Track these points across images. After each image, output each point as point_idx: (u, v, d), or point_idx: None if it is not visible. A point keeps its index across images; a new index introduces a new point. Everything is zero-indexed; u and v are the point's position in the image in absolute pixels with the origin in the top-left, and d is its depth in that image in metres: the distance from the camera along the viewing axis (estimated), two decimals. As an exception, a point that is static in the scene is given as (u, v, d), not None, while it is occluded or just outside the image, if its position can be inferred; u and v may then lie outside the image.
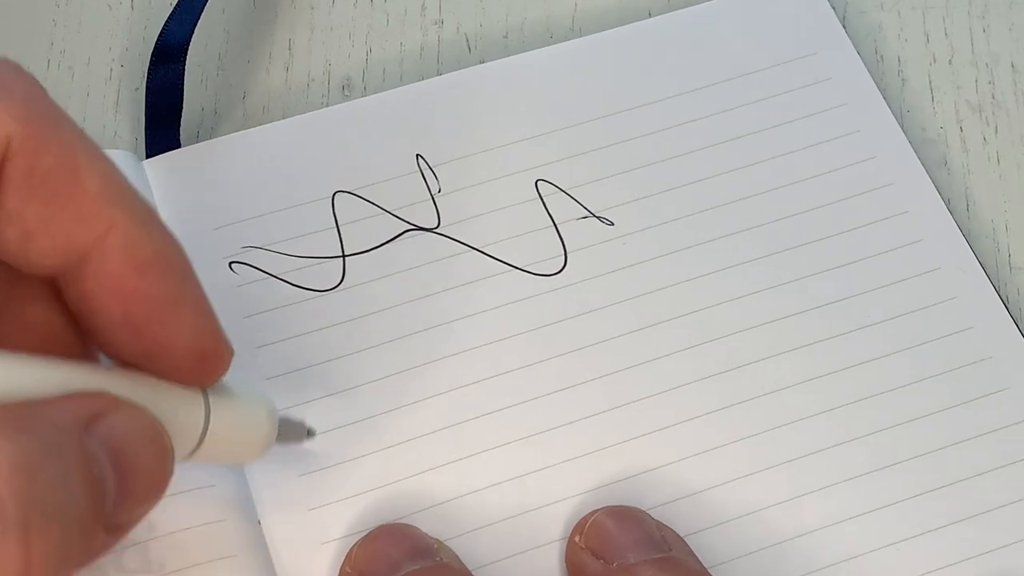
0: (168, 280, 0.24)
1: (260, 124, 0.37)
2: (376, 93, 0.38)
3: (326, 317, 0.34)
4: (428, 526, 0.32)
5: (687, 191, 0.37)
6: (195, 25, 0.38)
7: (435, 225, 0.36)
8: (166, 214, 0.35)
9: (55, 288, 0.25)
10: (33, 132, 0.21)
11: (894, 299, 0.35)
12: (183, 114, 0.38)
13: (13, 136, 0.21)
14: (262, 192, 0.36)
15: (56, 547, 0.21)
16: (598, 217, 0.36)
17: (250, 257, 0.35)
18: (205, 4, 0.38)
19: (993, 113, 0.39)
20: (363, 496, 0.32)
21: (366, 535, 0.31)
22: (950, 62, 0.40)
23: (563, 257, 0.36)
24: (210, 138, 0.38)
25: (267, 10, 0.41)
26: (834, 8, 0.39)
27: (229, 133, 0.37)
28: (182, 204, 0.36)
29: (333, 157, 0.37)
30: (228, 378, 0.27)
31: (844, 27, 0.39)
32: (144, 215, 0.24)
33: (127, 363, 0.25)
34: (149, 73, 0.38)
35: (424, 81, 0.38)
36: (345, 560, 0.31)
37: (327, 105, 0.39)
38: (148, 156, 0.37)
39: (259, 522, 0.32)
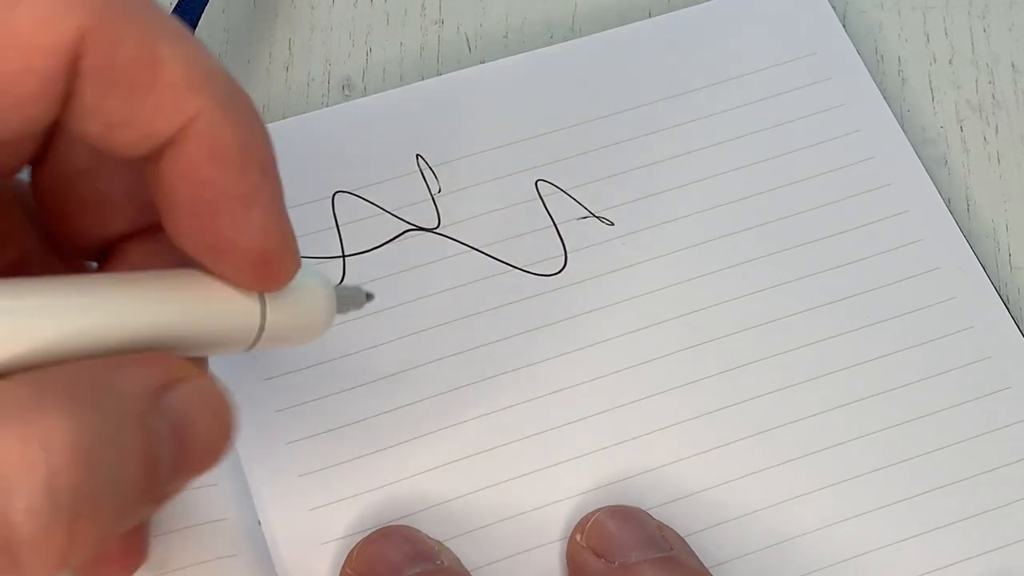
0: (243, 174, 0.22)
1: (260, 124, 0.37)
2: (376, 93, 0.38)
3: (326, 317, 0.34)
4: (428, 526, 0.32)
5: (687, 191, 0.37)
6: (195, 25, 0.38)
7: (435, 225, 0.36)
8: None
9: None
10: (107, 22, 0.21)
11: (894, 299, 0.35)
12: (183, 114, 0.38)
13: (87, 28, 0.20)
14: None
15: (101, 531, 0.20)
16: (598, 217, 0.36)
17: (250, 257, 0.35)
18: (205, 4, 0.38)
19: (993, 113, 0.39)
20: (363, 496, 0.32)
21: (367, 537, 0.31)
22: (950, 62, 0.40)
23: (563, 257, 0.36)
24: (210, 138, 0.38)
25: (267, 10, 0.41)
26: (834, 8, 0.39)
27: (229, 133, 0.37)
28: (182, 204, 0.36)
29: (333, 157, 0.37)
30: None
31: (844, 27, 0.39)
32: (231, 103, 0.22)
33: (191, 256, 0.24)
34: (149, 73, 0.38)
35: (424, 81, 0.38)
36: (346, 562, 0.31)
37: (327, 105, 0.39)
38: (148, 156, 0.37)
39: (259, 522, 0.32)
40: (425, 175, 0.37)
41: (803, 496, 0.33)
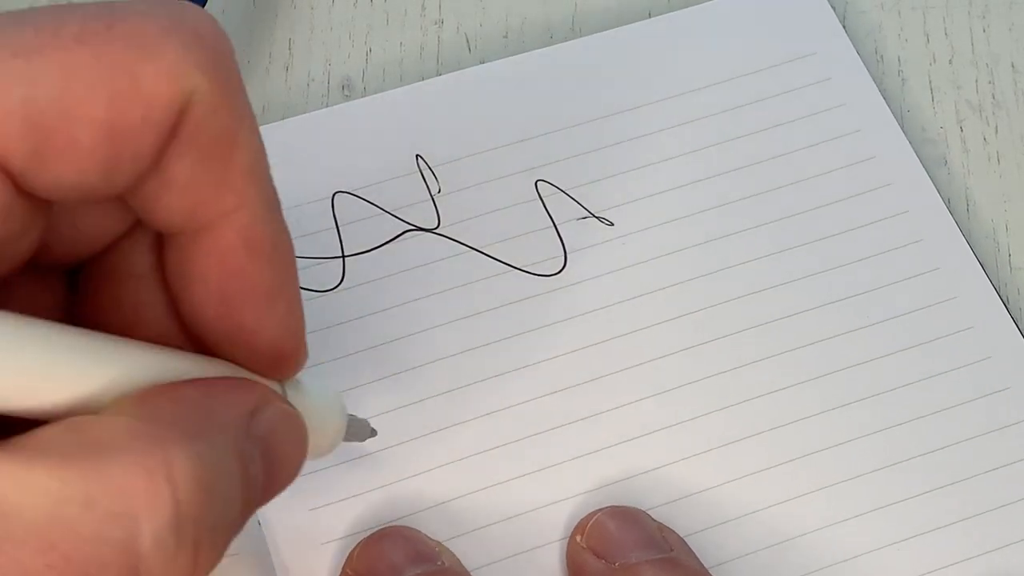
0: (274, 270, 0.23)
1: (260, 124, 0.37)
2: (376, 93, 0.38)
3: (326, 317, 0.34)
4: (428, 526, 0.32)
5: (687, 191, 0.37)
6: (195, 25, 0.38)
7: (435, 225, 0.36)
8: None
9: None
10: (216, 92, 0.21)
11: (894, 299, 0.35)
12: (183, 114, 0.38)
13: (197, 91, 0.20)
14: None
15: (217, 556, 0.21)
16: (598, 217, 0.36)
17: (250, 257, 0.35)
18: (204, 4, 0.38)
19: (993, 113, 0.39)
20: (363, 496, 0.32)
21: (367, 537, 0.31)
22: (950, 62, 0.40)
23: (563, 257, 0.36)
24: (210, 138, 0.38)
25: (267, 10, 0.41)
26: (834, 8, 0.39)
27: (229, 133, 0.37)
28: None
29: (333, 157, 0.37)
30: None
31: (844, 27, 0.39)
32: (273, 200, 0.23)
33: (201, 342, 0.24)
34: (149, 73, 0.37)
35: (424, 81, 0.38)
36: (346, 562, 0.31)
37: (327, 105, 0.39)
38: (148, 156, 0.37)
39: (259, 522, 0.32)
40: (425, 175, 0.37)
41: (803, 496, 0.33)
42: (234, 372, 0.24)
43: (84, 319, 0.24)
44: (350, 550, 0.31)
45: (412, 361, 0.34)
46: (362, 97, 0.38)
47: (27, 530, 0.18)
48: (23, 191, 0.20)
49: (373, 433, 0.31)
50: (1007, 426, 0.34)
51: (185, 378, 0.22)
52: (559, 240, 0.36)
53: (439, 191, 0.36)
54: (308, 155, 0.37)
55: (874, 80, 0.38)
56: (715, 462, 0.33)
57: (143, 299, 0.24)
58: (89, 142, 0.19)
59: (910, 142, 0.37)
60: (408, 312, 0.35)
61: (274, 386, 0.25)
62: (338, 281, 0.35)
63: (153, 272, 0.24)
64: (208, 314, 0.23)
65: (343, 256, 0.35)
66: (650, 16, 0.40)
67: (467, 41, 0.40)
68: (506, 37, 0.40)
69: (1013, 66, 0.40)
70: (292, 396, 0.26)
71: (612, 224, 0.36)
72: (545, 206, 0.36)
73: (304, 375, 0.26)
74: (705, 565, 0.31)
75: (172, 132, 0.20)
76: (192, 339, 0.24)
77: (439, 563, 0.30)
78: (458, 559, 0.31)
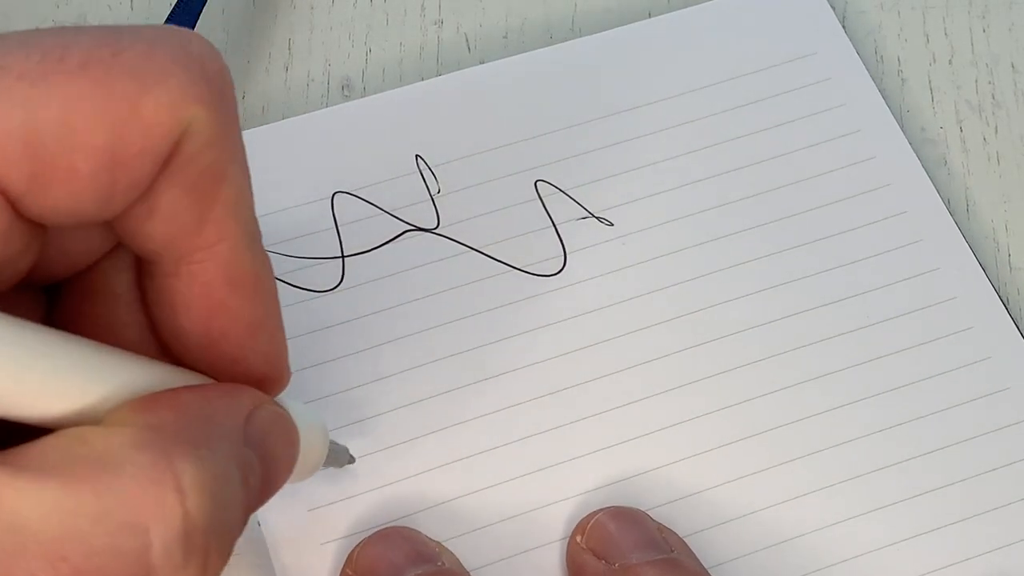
0: (254, 305, 0.23)
1: (260, 124, 0.37)
2: (376, 93, 0.38)
3: (325, 318, 0.34)
4: (428, 526, 0.32)
5: (686, 191, 0.37)
6: (194, 25, 0.38)
7: (435, 225, 0.36)
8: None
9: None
10: (213, 125, 0.21)
11: (893, 299, 0.35)
12: (183, 114, 0.38)
13: (195, 123, 0.20)
14: (261, 193, 0.35)
15: (223, 561, 0.21)
16: (598, 217, 0.36)
17: (250, 257, 0.35)
18: (204, 4, 0.38)
19: (993, 113, 0.39)
20: (363, 496, 0.32)
21: (368, 538, 0.31)
22: (950, 62, 0.40)
23: (563, 257, 0.36)
24: (210, 138, 0.37)
25: (267, 10, 0.41)
26: (834, 8, 0.39)
27: (229, 133, 0.37)
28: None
29: (333, 157, 0.37)
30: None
31: (844, 27, 0.39)
32: (254, 234, 0.23)
33: (181, 362, 0.24)
34: (149, 73, 0.37)
35: (424, 81, 0.38)
36: (346, 563, 0.31)
37: (327, 105, 0.39)
38: (148, 156, 0.37)
39: (259, 523, 0.32)
40: (424, 175, 0.37)
41: (803, 496, 0.33)
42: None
43: None
44: (350, 550, 0.31)
45: (412, 361, 0.34)
46: (362, 97, 0.38)
47: (39, 543, 0.18)
48: (21, 215, 0.20)
49: (351, 460, 0.32)
50: (1007, 426, 0.34)
51: (178, 386, 0.22)
52: (559, 240, 0.36)
53: (439, 191, 0.36)
54: (308, 155, 0.37)
55: (874, 80, 0.38)
56: (715, 462, 0.33)
57: (122, 318, 0.24)
58: (88, 169, 0.19)
59: (910, 142, 0.37)
60: (408, 312, 0.35)
61: None
62: (338, 281, 0.35)
63: (132, 291, 0.24)
64: (190, 342, 0.23)
65: (343, 256, 0.35)
66: (650, 16, 0.40)
67: (467, 41, 0.40)
68: (506, 37, 0.40)
69: (1013, 66, 0.40)
70: None
71: (612, 224, 0.36)
72: (545, 206, 0.36)
73: (287, 399, 0.26)
74: (705, 565, 0.31)
75: (166, 162, 0.20)
76: (171, 359, 0.24)
77: (439, 563, 0.30)
78: (458, 559, 0.31)
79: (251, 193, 0.23)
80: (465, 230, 0.36)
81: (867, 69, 0.38)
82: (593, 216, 0.36)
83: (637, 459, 0.33)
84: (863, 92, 0.38)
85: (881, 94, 0.38)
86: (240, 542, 0.31)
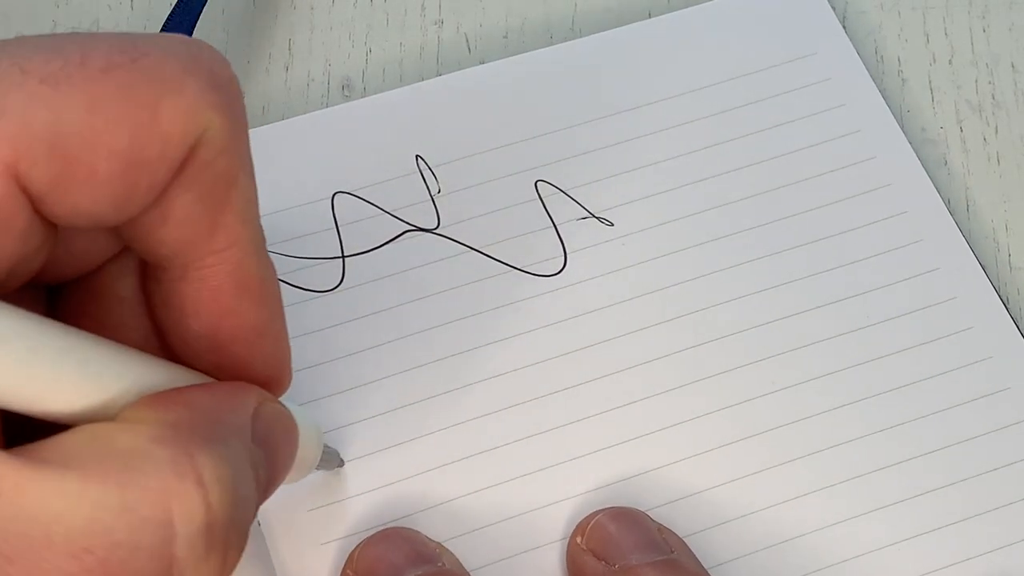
0: (261, 309, 0.24)
1: (260, 125, 0.37)
2: (376, 93, 0.38)
3: (326, 318, 0.34)
4: (428, 526, 0.32)
5: (686, 191, 0.37)
6: (194, 25, 0.38)
7: (435, 226, 0.36)
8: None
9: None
10: (226, 132, 0.21)
11: (894, 299, 0.35)
12: (183, 114, 0.38)
13: (210, 130, 0.21)
14: (261, 193, 0.36)
15: (240, 554, 0.21)
16: (598, 217, 0.36)
17: (250, 257, 0.35)
18: (204, 4, 0.38)
19: (993, 113, 0.39)
20: (363, 496, 0.32)
21: (368, 538, 0.31)
22: (950, 62, 0.40)
23: (563, 257, 0.36)
24: (210, 138, 0.38)
25: (267, 10, 0.41)
26: (834, 8, 0.39)
27: (229, 133, 0.37)
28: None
29: (333, 157, 0.37)
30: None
31: (844, 27, 0.39)
32: (260, 241, 0.24)
33: (184, 364, 0.25)
34: (149, 73, 0.37)
35: (424, 81, 0.38)
36: (347, 563, 0.31)
37: (327, 105, 0.39)
38: (148, 156, 0.37)
39: (259, 522, 0.32)
40: (424, 175, 0.37)
41: (803, 496, 0.33)
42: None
43: None
44: (350, 550, 0.31)
45: (412, 361, 0.34)
46: (362, 97, 0.38)
47: (65, 537, 0.19)
48: (40, 215, 0.20)
49: (341, 463, 0.32)
50: (1007, 426, 0.34)
51: (186, 384, 0.23)
52: (559, 240, 0.36)
53: (439, 191, 0.36)
54: (308, 155, 0.37)
55: (874, 80, 0.38)
56: (715, 462, 0.33)
57: (126, 321, 0.24)
58: (108, 171, 0.20)
59: (910, 142, 0.37)
60: (408, 312, 0.35)
61: None
62: (338, 281, 0.35)
63: (137, 295, 0.24)
64: (196, 344, 0.24)
65: (343, 256, 0.35)
66: (650, 16, 0.40)
67: (467, 41, 0.40)
68: (506, 37, 0.40)
69: (1013, 66, 0.40)
70: None
71: (612, 224, 0.36)
72: (545, 206, 0.36)
73: (282, 399, 0.27)
74: (705, 566, 0.31)
75: (181, 167, 0.21)
76: (175, 361, 0.24)
77: (439, 564, 0.30)
78: (458, 560, 0.31)
79: (257, 200, 0.23)
80: (465, 230, 0.36)
81: (867, 69, 0.38)
82: (593, 216, 0.36)
83: (637, 459, 0.33)
84: (863, 92, 0.38)
85: (881, 94, 0.38)
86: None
